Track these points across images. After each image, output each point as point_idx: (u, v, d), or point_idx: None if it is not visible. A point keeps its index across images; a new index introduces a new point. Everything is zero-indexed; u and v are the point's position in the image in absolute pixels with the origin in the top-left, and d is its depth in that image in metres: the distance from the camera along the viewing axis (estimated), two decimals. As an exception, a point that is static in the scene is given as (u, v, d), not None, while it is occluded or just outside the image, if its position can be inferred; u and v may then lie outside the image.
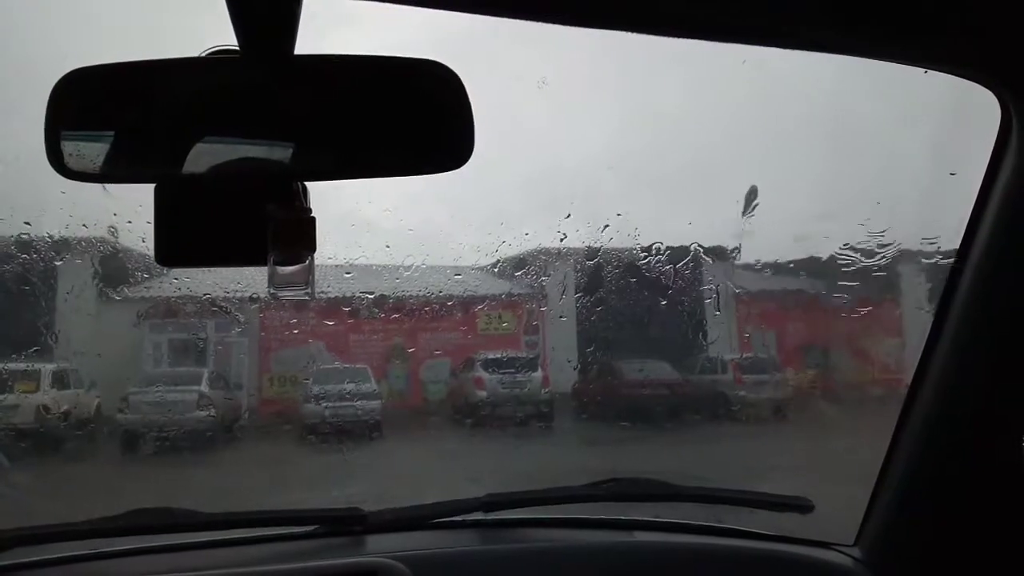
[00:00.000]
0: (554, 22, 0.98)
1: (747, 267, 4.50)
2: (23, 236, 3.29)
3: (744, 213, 4.19)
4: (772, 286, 4.64)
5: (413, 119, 0.89)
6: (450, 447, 5.40)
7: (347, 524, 1.82)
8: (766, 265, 4.30)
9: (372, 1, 0.92)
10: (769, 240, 4.02)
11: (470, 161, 0.91)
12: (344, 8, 0.93)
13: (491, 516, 1.89)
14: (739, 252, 4.32)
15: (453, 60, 0.95)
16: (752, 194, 4.27)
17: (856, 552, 1.79)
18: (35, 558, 1.68)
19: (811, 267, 3.61)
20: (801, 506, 1.91)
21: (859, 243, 3.05)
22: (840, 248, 3.27)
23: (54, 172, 0.89)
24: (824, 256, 3.42)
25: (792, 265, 3.77)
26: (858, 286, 3.48)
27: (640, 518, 1.98)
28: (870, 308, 4.46)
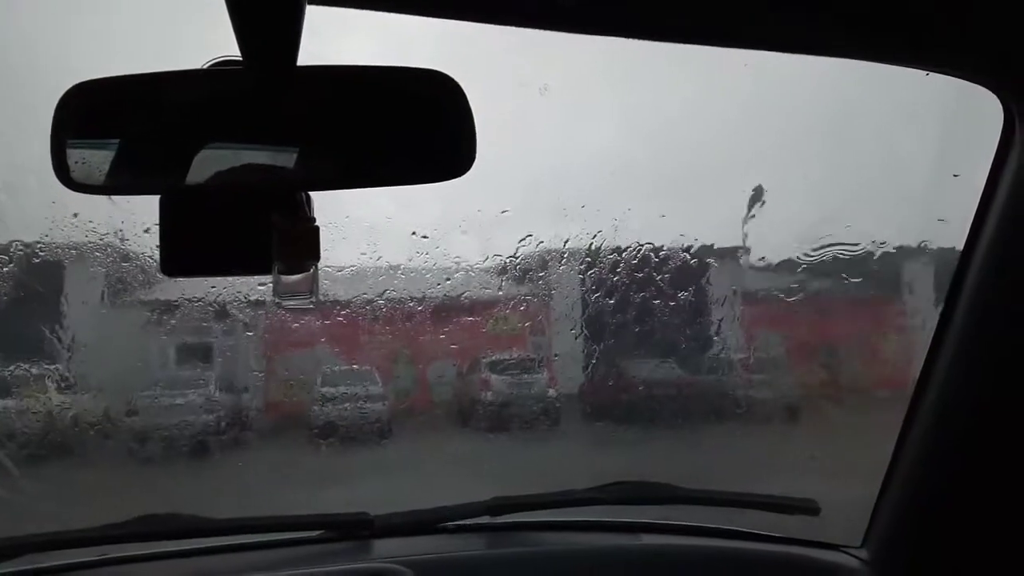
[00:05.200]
0: (555, 29, 0.99)
1: (753, 268, 4.50)
2: (30, 242, 3.31)
3: (748, 214, 4.19)
4: (778, 286, 4.63)
5: (415, 128, 0.90)
6: (456, 448, 5.39)
7: (354, 528, 1.82)
8: (772, 265, 4.30)
9: (374, 10, 0.93)
10: (774, 241, 4.02)
11: (477, 164, 0.92)
12: (346, 18, 0.94)
13: (497, 520, 1.89)
14: (745, 253, 4.32)
15: (455, 68, 0.95)
16: (757, 195, 4.26)
17: (863, 553, 1.79)
18: (45, 564, 1.69)
19: (817, 267, 3.61)
20: (808, 508, 1.91)
21: (864, 244, 3.05)
22: (845, 248, 3.27)
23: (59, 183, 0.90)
24: (829, 256, 3.42)
25: (798, 265, 3.77)
26: (863, 286, 3.48)
27: (647, 521, 1.98)
28: (876, 308, 4.45)
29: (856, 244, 3.07)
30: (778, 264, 4.07)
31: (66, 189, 0.88)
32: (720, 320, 4.31)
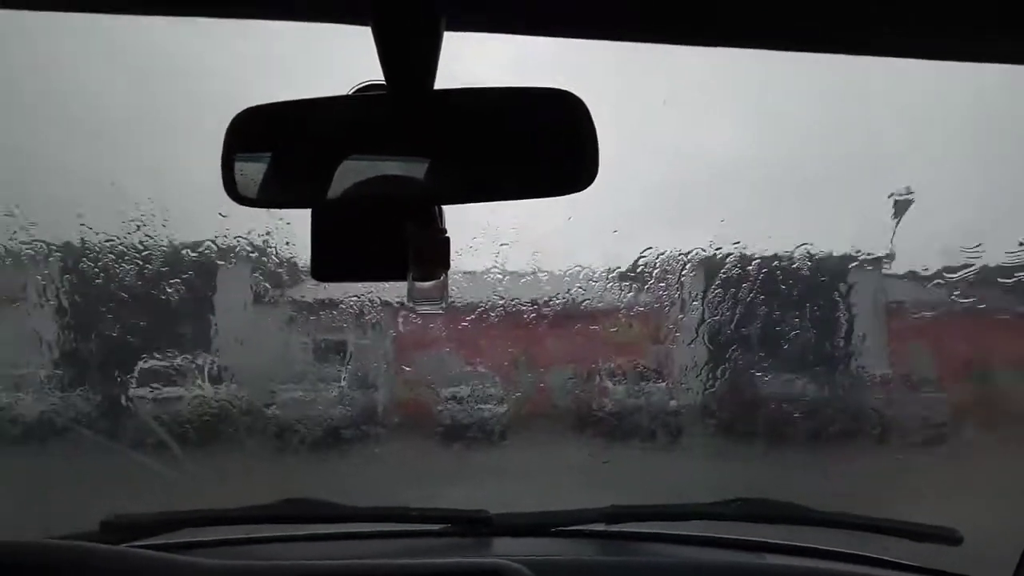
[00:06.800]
0: (677, 43, 1.01)
1: (898, 277, 4.23)
2: (188, 244, 3.66)
3: (895, 220, 3.96)
4: (926, 297, 4.33)
5: (542, 145, 0.94)
6: (574, 454, 5.40)
7: (474, 525, 1.88)
8: (919, 275, 4.03)
9: (504, 33, 0.98)
10: (922, 249, 3.77)
11: (602, 176, 0.95)
12: (477, 41, 1.00)
13: (613, 528, 1.89)
14: (889, 261, 4.08)
15: (580, 85, 0.99)
16: (904, 200, 4.03)
17: (1011, 591, 1.66)
18: (200, 539, 1.87)
19: (969, 278, 3.36)
20: (948, 537, 1.78)
21: (1018, 258, 2.82)
22: (1001, 259, 3.03)
23: (226, 196, 1.02)
24: (984, 267, 3.18)
25: (947, 276, 3.51)
26: (1015, 303, 3.21)
27: (771, 540, 1.92)
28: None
29: (1008, 258, 2.84)
30: (917, 276, 3.81)
31: (233, 203, 0.99)
32: (852, 335, 4.09)
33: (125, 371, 4.07)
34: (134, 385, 4.22)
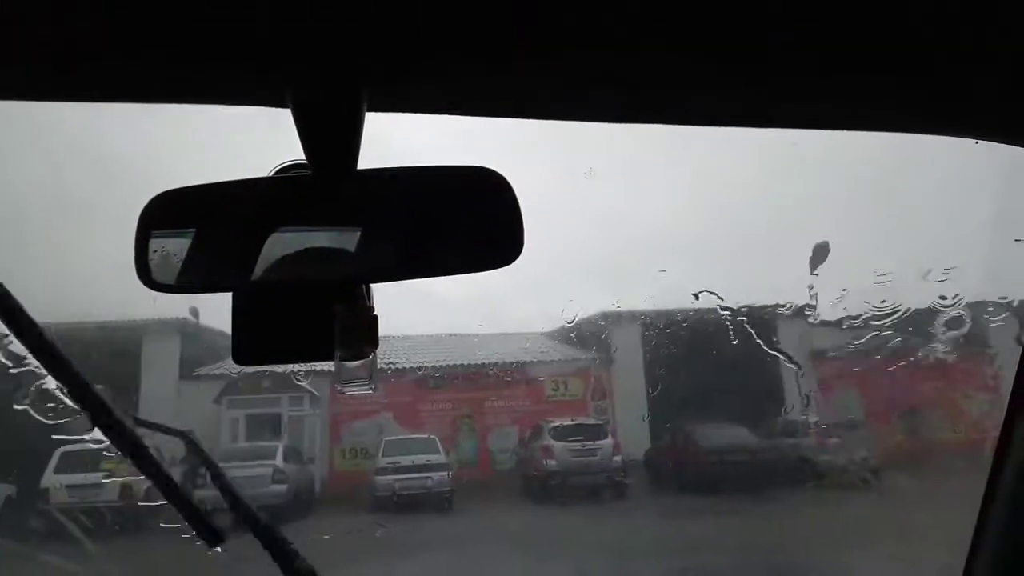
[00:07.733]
0: (594, 120, 1.03)
1: (823, 326, 4.40)
2: (110, 322, 3.51)
3: (812, 271, 4.12)
4: (850, 345, 4.50)
5: (468, 222, 0.93)
6: (522, 519, 5.31)
7: None
8: (842, 324, 4.21)
9: (428, 114, 0.99)
10: (842, 300, 3.95)
11: (535, 243, 0.95)
12: (401, 121, 1.00)
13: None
14: (813, 312, 4.24)
15: (504, 160, 1.00)
16: (821, 252, 4.20)
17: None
18: None
19: (890, 326, 3.54)
20: None
21: (933, 303, 2.98)
22: (915, 308, 3.19)
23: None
24: (902, 315, 3.35)
25: (869, 324, 3.69)
26: (936, 345, 3.37)
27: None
28: (951, 365, 4.28)
29: (927, 302, 3.01)
30: (848, 322, 3.98)
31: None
32: (780, 383, 4.21)
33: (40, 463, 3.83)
34: (50, 476, 3.95)
